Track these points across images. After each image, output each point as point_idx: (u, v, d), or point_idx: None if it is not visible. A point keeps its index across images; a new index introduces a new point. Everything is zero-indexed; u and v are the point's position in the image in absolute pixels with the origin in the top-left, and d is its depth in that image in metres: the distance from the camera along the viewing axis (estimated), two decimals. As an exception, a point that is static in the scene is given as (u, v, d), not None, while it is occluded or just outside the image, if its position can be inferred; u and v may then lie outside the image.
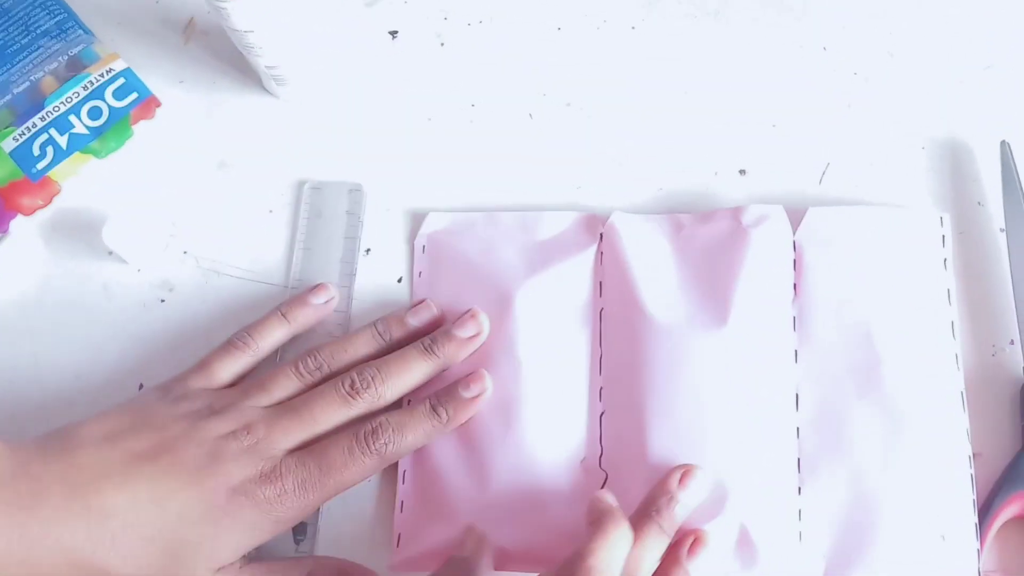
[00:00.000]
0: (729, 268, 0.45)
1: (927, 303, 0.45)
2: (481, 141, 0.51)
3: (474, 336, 0.45)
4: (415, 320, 0.46)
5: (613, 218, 0.48)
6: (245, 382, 0.45)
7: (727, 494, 0.42)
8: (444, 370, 0.45)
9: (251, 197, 0.51)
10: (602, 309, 0.47)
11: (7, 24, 0.53)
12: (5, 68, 0.52)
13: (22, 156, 0.50)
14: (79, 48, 0.52)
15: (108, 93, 0.51)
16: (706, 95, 0.52)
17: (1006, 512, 0.42)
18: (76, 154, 0.50)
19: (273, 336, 0.46)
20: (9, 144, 0.50)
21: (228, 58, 0.53)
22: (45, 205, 0.50)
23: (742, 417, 0.43)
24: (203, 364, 0.45)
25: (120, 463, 0.40)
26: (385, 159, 0.51)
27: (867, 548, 0.42)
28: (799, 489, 0.43)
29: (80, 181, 0.51)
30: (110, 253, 0.49)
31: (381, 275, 0.49)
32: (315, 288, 0.47)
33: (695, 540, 0.41)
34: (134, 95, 0.51)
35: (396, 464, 0.45)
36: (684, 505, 0.41)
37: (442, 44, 0.53)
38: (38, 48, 0.52)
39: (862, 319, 0.45)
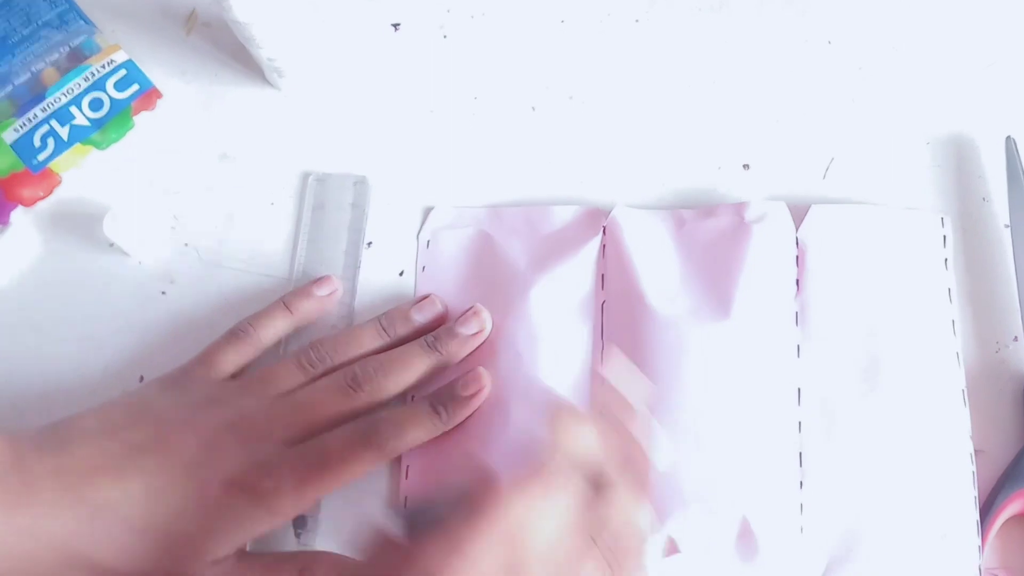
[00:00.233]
0: (731, 263, 0.45)
1: (928, 302, 0.45)
2: (483, 134, 0.51)
3: (477, 333, 0.45)
4: (420, 316, 0.46)
5: (616, 212, 0.48)
6: (246, 374, 0.45)
7: (728, 487, 0.42)
8: (447, 367, 0.45)
9: (252, 189, 0.50)
10: (604, 302, 0.47)
11: (8, 15, 0.53)
12: (6, 59, 0.52)
13: (23, 147, 0.50)
14: (80, 39, 0.52)
15: (109, 84, 0.51)
16: (710, 89, 0.51)
17: (1008, 510, 0.42)
18: (77, 145, 0.50)
19: (275, 327, 0.46)
20: (10, 135, 0.50)
21: (230, 50, 0.53)
22: (46, 196, 0.50)
23: (744, 411, 0.43)
24: (204, 355, 0.45)
25: (116, 455, 0.40)
26: (386, 152, 0.51)
27: (868, 544, 0.42)
28: (800, 483, 0.43)
29: (81, 173, 0.51)
30: (111, 245, 0.49)
31: (382, 268, 0.49)
32: (319, 280, 0.47)
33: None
34: (135, 86, 0.51)
35: (399, 458, 0.45)
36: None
37: (444, 36, 0.53)
38: (39, 39, 0.52)
39: (864, 316, 0.45)
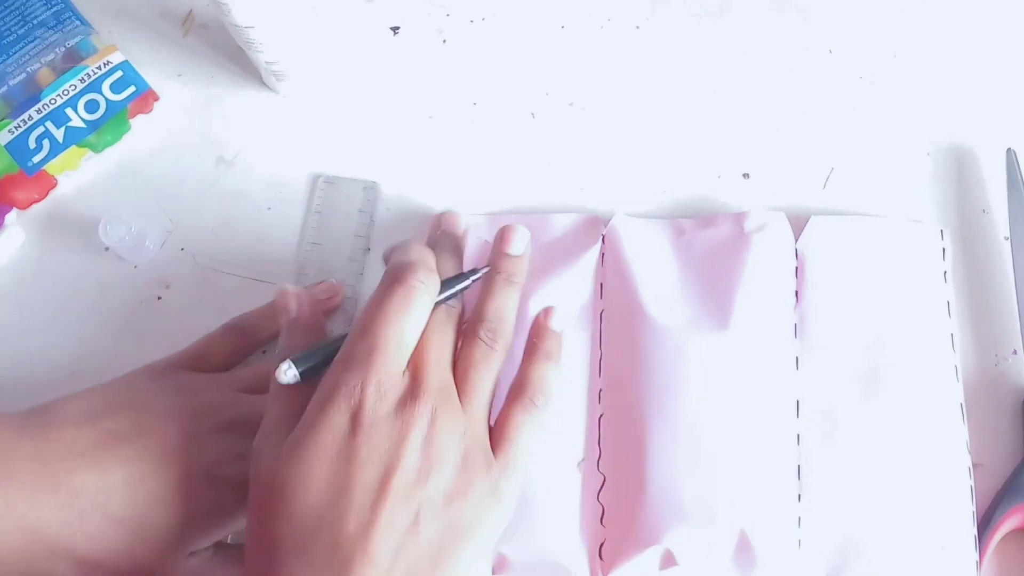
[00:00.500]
0: (730, 273, 0.45)
1: (927, 315, 0.45)
2: (482, 140, 0.51)
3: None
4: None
5: (615, 220, 0.47)
6: (236, 368, 0.45)
7: (727, 499, 0.42)
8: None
9: (249, 193, 0.50)
10: (603, 311, 0.46)
11: (3, 14, 0.52)
12: (1, 59, 0.51)
13: (17, 149, 0.49)
14: (76, 40, 0.52)
15: (105, 86, 0.51)
16: (710, 97, 0.51)
17: (1007, 524, 0.42)
18: (72, 148, 0.50)
19: (272, 325, 0.46)
20: (4, 137, 0.49)
21: (227, 52, 0.52)
22: (40, 199, 0.50)
23: (742, 422, 0.43)
24: (197, 346, 0.45)
25: (95, 442, 0.39)
26: (385, 157, 0.51)
27: (866, 558, 0.42)
28: (799, 496, 0.43)
29: (76, 175, 0.50)
30: (106, 249, 0.48)
31: (377, 273, 0.48)
32: (321, 283, 0.47)
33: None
34: (132, 88, 0.51)
35: None
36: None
37: (444, 41, 0.53)
38: (35, 39, 0.52)
39: (862, 329, 0.45)
